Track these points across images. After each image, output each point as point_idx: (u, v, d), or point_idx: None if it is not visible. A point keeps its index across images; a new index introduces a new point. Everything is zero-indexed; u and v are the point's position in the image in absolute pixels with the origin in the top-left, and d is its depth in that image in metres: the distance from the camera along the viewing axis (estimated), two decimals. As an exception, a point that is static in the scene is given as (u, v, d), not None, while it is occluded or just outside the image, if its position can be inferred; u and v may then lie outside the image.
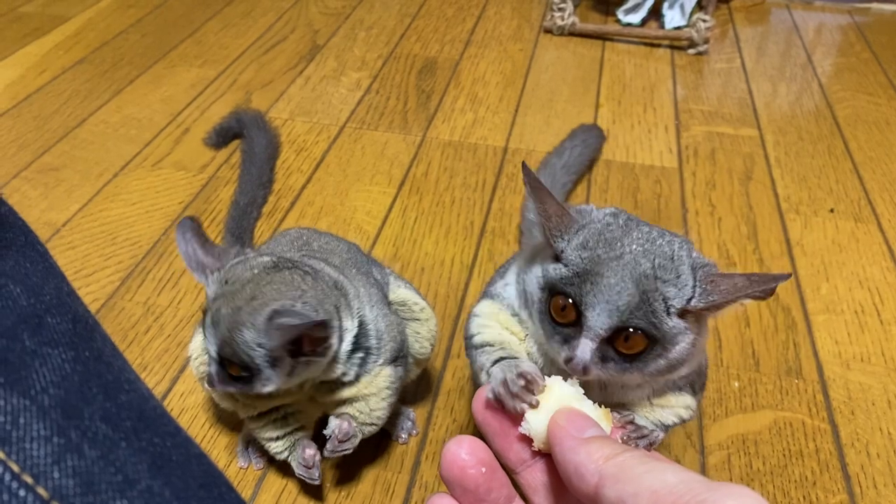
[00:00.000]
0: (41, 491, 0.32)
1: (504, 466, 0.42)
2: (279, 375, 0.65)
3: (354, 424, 0.72)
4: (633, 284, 0.54)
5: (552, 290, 0.57)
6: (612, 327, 0.54)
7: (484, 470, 0.39)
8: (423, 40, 1.80)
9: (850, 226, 1.24)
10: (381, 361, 0.72)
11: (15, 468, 0.32)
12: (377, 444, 0.86)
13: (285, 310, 0.63)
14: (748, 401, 0.93)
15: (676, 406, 0.65)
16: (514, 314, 0.66)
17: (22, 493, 0.31)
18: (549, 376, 0.49)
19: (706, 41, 1.77)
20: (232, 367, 0.64)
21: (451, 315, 1.03)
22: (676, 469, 0.34)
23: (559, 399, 0.42)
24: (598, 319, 0.54)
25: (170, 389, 0.91)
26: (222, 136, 1.34)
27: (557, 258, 0.58)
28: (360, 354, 0.70)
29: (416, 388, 0.92)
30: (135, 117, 1.44)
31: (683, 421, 0.66)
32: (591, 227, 0.58)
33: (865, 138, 1.49)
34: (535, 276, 0.60)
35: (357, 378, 0.71)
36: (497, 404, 0.46)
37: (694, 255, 0.58)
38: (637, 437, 0.61)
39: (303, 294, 0.65)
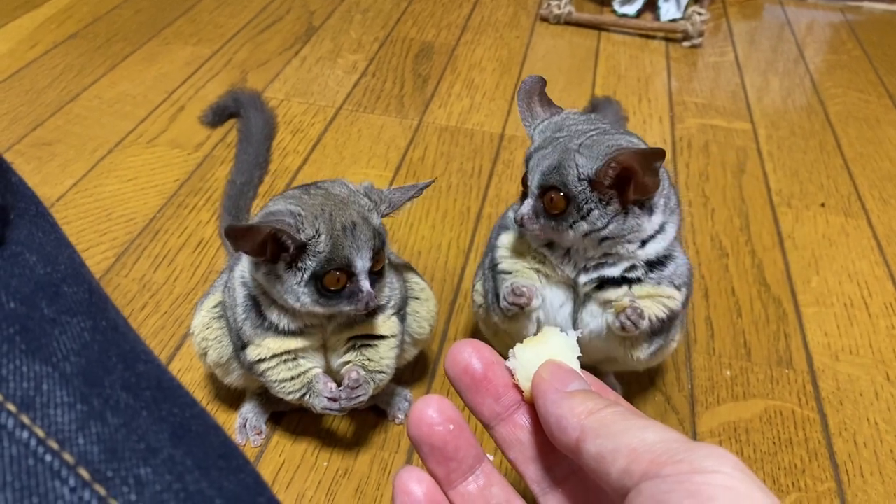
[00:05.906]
0: (67, 457, 0.32)
1: (482, 423, 0.42)
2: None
3: (364, 373, 0.75)
4: (557, 154, 0.68)
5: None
6: (539, 185, 0.69)
7: (452, 427, 0.39)
8: (420, 24, 1.79)
9: (841, 220, 1.26)
10: (388, 309, 0.78)
11: (40, 433, 0.32)
12: (374, 425, 0.86)
13: (285, 217, 0.68)
14: (739, 389, 0.94)
15: (659, 296, 0.73)
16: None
17: (48, 458, 0.31)
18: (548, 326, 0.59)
19: (701, 34, 1.78)
20: None
21: (448, 299, 1.04)
22: (657, 428, 0.33)
23: (551, 352, 0.42)
24: (533, 181, 0.70)
25: (166, 366, 0.91)
26: (219, 115, 1.33)
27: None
28: None
29: (413, 369, 0.93)
30: (129, 94, 1.43)
31: (672, 311, 0.74)
32: (556, 118, 0.73)
33: (856, 135, 1.51)
34: None
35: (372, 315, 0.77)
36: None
37: (634, 141, 0.70)
38: (637, 317, 0.70)
39: (314, 221, 0.68)
